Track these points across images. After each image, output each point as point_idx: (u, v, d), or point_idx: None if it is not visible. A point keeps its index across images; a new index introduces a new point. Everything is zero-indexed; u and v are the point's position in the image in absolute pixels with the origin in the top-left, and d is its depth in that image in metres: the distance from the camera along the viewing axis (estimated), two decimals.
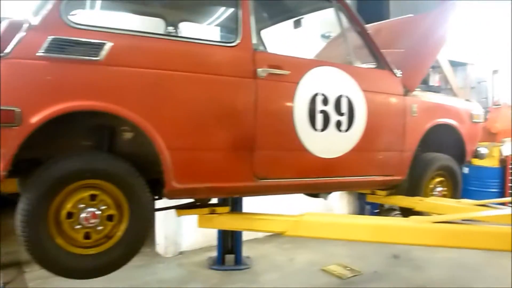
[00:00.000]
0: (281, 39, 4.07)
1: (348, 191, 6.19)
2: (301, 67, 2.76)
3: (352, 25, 3.04)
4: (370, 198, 3.64)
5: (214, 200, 2.99)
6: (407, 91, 3.25)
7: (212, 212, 2.80)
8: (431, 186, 3.52)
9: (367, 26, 3.14)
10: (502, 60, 8.27)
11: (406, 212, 3.42)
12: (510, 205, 3.03)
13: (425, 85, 7.16)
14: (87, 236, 2.19)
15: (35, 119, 2.00)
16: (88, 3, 2.94)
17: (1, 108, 1.94)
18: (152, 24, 3.32)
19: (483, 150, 3.87)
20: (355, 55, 3.02)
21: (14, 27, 2.03)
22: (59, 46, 2.06)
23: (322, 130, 2.78)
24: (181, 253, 5.29)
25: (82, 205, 2.16)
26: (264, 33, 3.59)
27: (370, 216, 5.60)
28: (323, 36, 6.06)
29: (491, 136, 6.97)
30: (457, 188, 3.66)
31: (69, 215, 2.15)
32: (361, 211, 6.65)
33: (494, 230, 2.16)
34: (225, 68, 2.49)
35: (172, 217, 4.48)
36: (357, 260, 4.98)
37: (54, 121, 2.06)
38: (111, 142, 2.41)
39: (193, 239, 5.32)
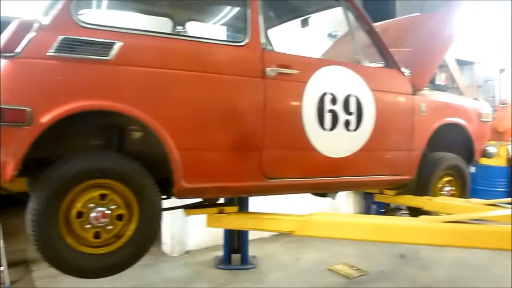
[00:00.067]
0: (287, 38, 4.05)
1: (354, 191, 6.18)
2: (309, 66, 2.75)
3: (360, 24, 3.03)
4: (379, 198, 3.63)
5: (220, 200, 2.99)
6: (416, 90, 3.24)
7: (221, 212, 2.80)
8: (440, 185, 3.51)
9: (374, 25, 3.13)
10: (509, 59, 8.23)
11: (414, 211, 3.41)
12: None
13: (432, 84, 7.12)
14: (97, 236, 2.19)
15: (46, 118, 2.01)
16: (96, 2, 2.94)
17: (12, 107, 1.95)
18: (158, 24, 3.32)
19: (491, 149, 3.85)
20: (363, 54, 3.01)
21: (25, 27, 2.03)
22: (69, 45, 2.06)
23: (331, 129, 2.77)
24: (187, 252, 5.30)
25: (92, 205, 2.17)
26: (270, 32, 3.59)
27: (379, 215, 5.60)
28: (330, 35, 6.05)
29: (498, 135, 6.93)
30: (466, 187, 3.64)
31: (79, 214, 2.15)
32: (367, 210, 6.64)
33: (505, 230, 2.15)
34: (234, 68, 2.48)
35: (178, 216, 4.51)
36: (364, 260, 4.97)
37: (63, 120, 2.06)
38: (120, 141, 2.42)
39: (199, 238, 5.33)
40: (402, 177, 3.24)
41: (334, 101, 2.78)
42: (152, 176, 2.30)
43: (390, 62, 3.13)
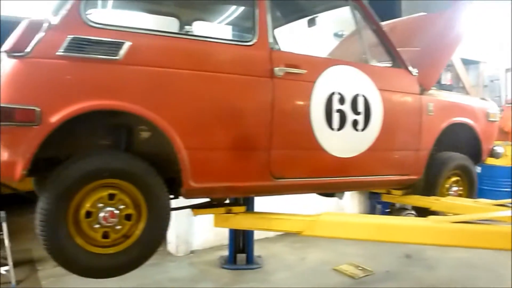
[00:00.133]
0: (293, 37, 4.05)
1: (360, 191, 6.16)
2: (317, 66, 2.74)
3: (368, 23, 3.02)
4: (386, 198, 3.61)
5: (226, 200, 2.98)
6: (423, 90, 3.23)
7: (228, 212, 2.79)
8: (447, 185, 3.49)
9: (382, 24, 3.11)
10: (509, 59, 8.19)
11: (421, 211, 3.40)
12: None
13: (437, 83, 7.10)
14: (105, 236, 2.19)
15: (55, 118, 2.01)
16: (104, 2, 2.94)
17: (22, 107, 1.95)
18: (164, 23, 3.32)
19: (499, 149, 3.83)
20: (371, 54, 3.00)
21: (34, 26, 2.03)
22: (78, 45, 2.06)
23: (339, 129, 2.76)
24: (192, 252, 5.31)
25: (100, 205, 2.16)
26: (276, 32, 3.57)
27: (388, 216, 5.56)
28: (336, 34, 6.03)
29: (504, 134, 6.90)
30: (473, 187, 3.62)
31: (88, 214, 2.15)
32: (372, 210, 6.63)
33: None
34: (243, 68, 2.47)
35: (183, 216, 4.50)
36: (369, 260, 4.96)
37: (72, 120, 2.05)
38: (129, 141, 2.41)
39: (204, 238, 5.33)
40: (409, 177, 3.23)
41: (342, 100, 2.77)
42: (160, 176, 2.29)
43: (398, 61, 3.12)
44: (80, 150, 2.25)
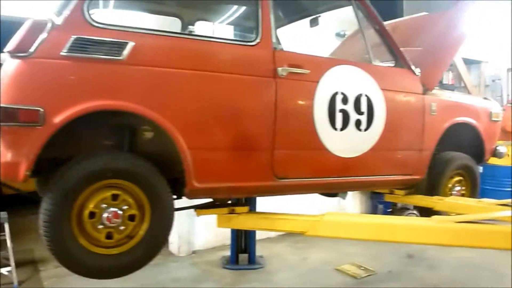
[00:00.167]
0: (294, 37, 4.04)
1: (362, 191, 6.16)
2: (320, 66, 2.73)
3: (371, 23, 3.01)
4: (389, 198, 3.61)
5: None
6: (426, 90, 3.22)
7: (232, 212, 2.79)
8: (450, 185, 3.49)
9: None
10: (509, 59, 8.18)
11: (423, 211, 3.39)
12: None
13: (439, 83, 7.10)
14: (109, 236, 2.18)
15: (58, 119, 2.00)
16: (107, 2, 2.94)
17: (26, 108, 1.95)
18: (167, 23, 3.31)
19: (502, 149, 3.83)
20: (373, 53, 3.00)
21: (38, 27, 2.02)
22: (82, 45, 2.06)
23: (342, 129, 2.76)
24: (194, 252, 5.31)
25: (104, 205, 2.16)
26: (278, 32, 3.57)
27: (392, 216, 5.57)
28: (338, 34, 6.02)
29: (506, 134, 6.89)
30: (476, 187, 3.62)
31: (92, 215, 2.14)
32: (373, 210, 6.63)
33: None
34: (246, 67, 2.47)
35: (185, 216, 4.51)
36: (371, 260, 4.96)
37: (75, 120, 2.05)
38: (132, 141, 2.41)
39: (206, 238, 5.33)
40: (412, 177, 3.22)
41: (345, 100, 2.76)
42: (163, 176, 2.29)
43: (400, 61, 3.11)
44: (84, 151, 2.24)
